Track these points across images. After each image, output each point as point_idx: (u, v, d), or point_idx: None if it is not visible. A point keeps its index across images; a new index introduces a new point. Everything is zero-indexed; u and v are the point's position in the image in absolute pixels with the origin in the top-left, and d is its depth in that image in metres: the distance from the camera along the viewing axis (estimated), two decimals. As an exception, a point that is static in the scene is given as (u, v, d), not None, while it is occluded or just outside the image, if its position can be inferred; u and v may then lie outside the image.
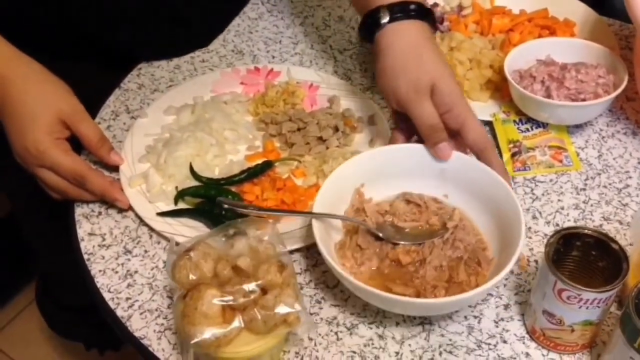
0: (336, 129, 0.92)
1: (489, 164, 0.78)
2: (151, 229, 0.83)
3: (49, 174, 0.83)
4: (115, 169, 0.88)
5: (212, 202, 0.82)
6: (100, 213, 0.86)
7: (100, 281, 0.78)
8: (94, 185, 0.83)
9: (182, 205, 0.84)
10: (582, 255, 0.68)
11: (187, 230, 0.81)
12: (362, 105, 0.96)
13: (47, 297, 1.33)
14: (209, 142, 0.90)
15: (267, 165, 0.88)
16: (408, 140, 0.84)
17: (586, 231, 0.68)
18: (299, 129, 0.92)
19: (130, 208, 0.85)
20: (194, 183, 0.86)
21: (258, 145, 0.93)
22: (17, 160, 0.84)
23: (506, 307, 0.75)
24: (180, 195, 0.84)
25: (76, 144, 0.86)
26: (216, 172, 0.88)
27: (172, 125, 0.93)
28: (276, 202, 0.84)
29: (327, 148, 0.90)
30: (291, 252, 0.79)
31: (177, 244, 0.70)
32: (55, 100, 0.83)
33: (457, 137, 0.81)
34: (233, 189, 0.86)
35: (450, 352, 0.71)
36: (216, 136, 0.91)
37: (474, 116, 0.80)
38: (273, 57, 1.07)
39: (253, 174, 0.87)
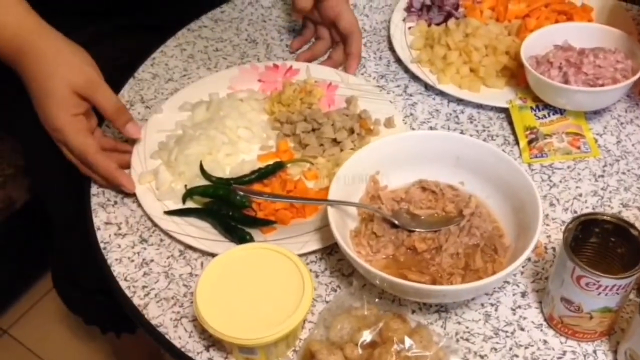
0: (352, 131, 0.88)
1: (349, 48, 0.98)
2: (164, 220, 0.82)
3: (64, 149, 0.84)
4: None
5: (221, 202, 0.81)
6: (116, 202, 0.86)
7: (117, 270, 0.79)
8: (99, 169, 0.82)
9: (190, 204, 0.83)
10: (600, 241, 0.68)
11: (194, 230, 0.80)
12: (380, 106, 0.93)
13: (63, 276, 1.32)
14: (221, 141, 0.88)
15: (278, 166, 0.86)
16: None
17: (605, 217, 0.67)
18: (313, 130, 0.90)
19: (135, 195, 0.84)
20: (203, 182, 0.84)
21: (272, 145, 0.91)
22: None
23: (523, 294, 0.75)
24: (189, 194, 0.83)
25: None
26: (227, 172, 0.87)
27: (185, 122, 0.92)
28: (285, 205, 0.82)
29: (342, 150, 0.88)
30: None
31: None
32: (67, 73, 0.81)
33: (331, 29, 0.99)
34: (243, 189, 0.84)
35: (467, 340, 0.71)
36: (229, 134, 0.89)
37: (348, 8, 0.98)
38: (287, 45, 1.07)
39: (264, 174, 0.85)
